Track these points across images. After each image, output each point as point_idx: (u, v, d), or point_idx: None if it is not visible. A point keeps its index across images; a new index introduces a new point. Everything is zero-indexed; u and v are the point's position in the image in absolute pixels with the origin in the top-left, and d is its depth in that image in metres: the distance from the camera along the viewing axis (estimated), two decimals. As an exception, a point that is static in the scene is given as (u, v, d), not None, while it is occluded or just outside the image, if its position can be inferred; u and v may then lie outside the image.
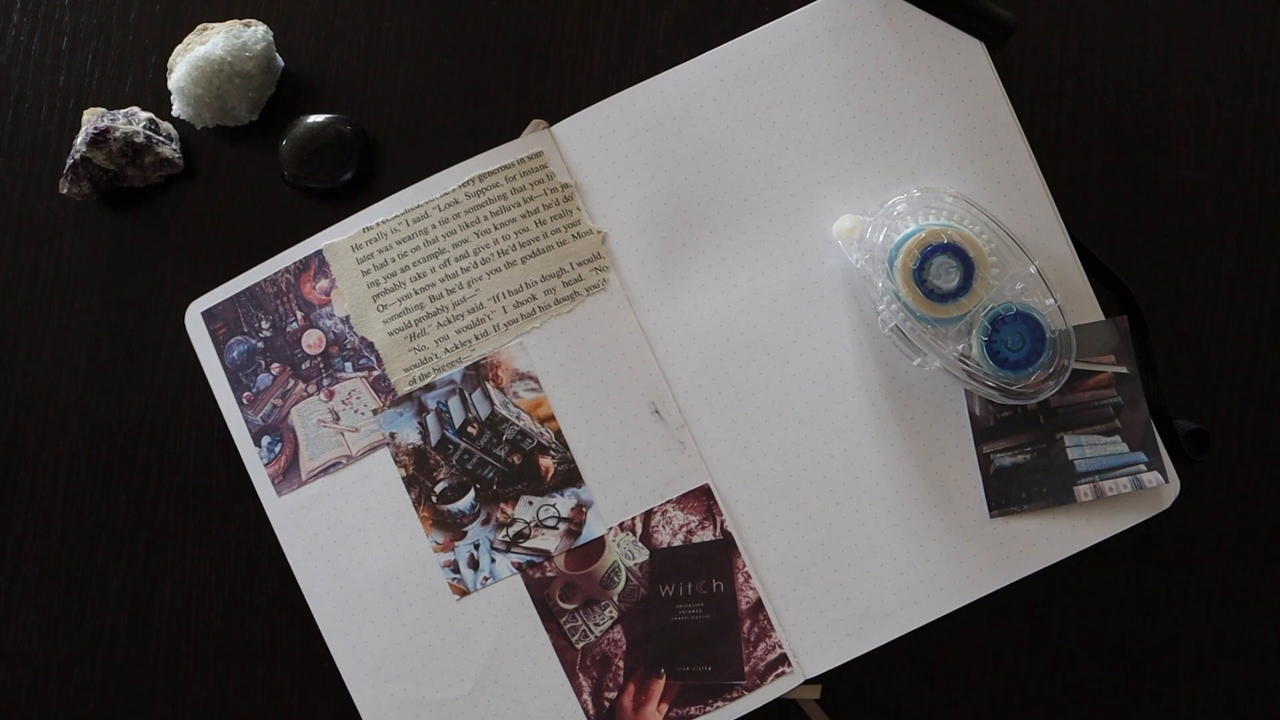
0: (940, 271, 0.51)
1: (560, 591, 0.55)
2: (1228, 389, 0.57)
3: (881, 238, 0.52)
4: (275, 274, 0.56)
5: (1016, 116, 0.54)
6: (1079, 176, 0.57)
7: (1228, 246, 0.57)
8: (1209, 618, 0.56)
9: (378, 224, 0.55)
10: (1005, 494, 0.53)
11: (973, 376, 0.51)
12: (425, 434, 0.55)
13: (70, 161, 0.56)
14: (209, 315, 0.56)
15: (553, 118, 0.56)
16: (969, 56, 0.55)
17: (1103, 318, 0.54)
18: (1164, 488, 0.54)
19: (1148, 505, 0.54)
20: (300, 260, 0.56)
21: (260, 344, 0.56)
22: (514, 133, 0.57)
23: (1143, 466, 0.53)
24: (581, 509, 0.55)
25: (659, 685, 0.54)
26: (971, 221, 0.52)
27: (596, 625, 0.54)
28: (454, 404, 0.55)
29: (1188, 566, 0.57)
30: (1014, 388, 0.51)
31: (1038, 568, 0.53)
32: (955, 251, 0.51)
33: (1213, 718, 0.56)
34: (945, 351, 0.51)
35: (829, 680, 0.56)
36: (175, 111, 0.57)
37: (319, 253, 0.56)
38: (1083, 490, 0.53)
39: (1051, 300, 0.52)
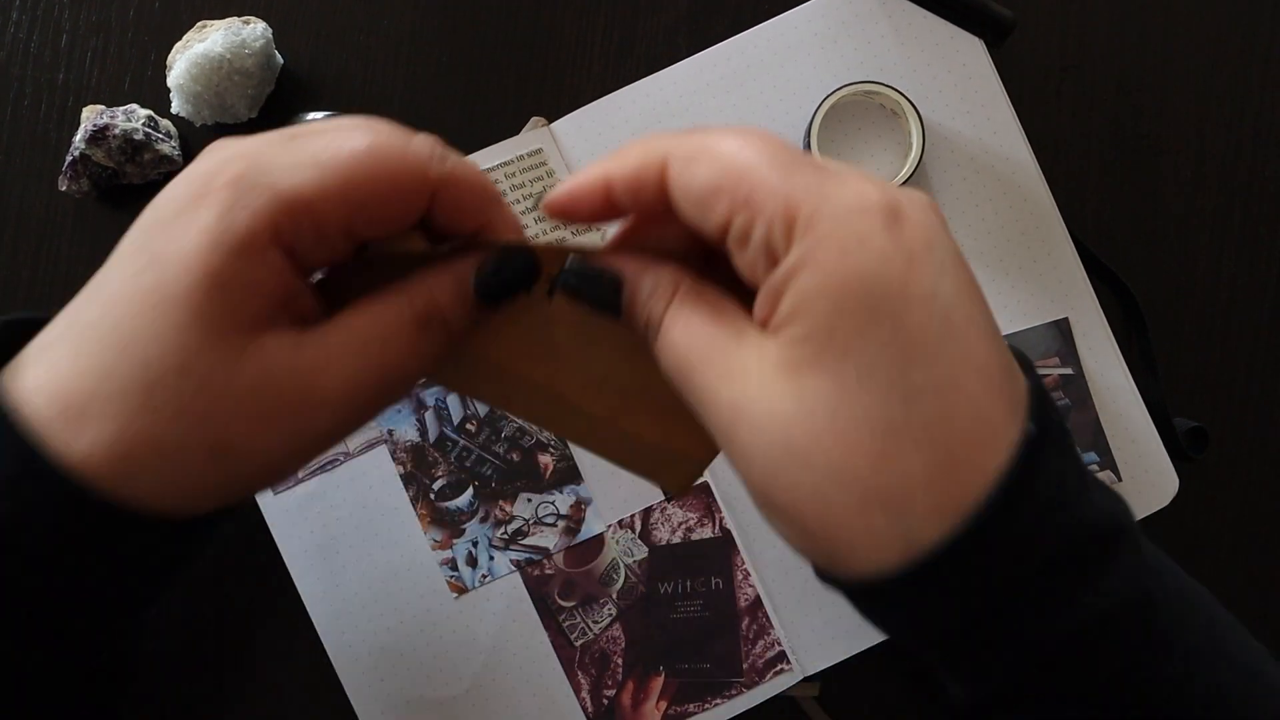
0: None
1: (559, 589, 0.55)
2: (1228, 389, 0.57)
3: None
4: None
5: (1016, 115, 0.54)
6: (1079, 176, 0.57)
7: (1228, 246, 0.57)
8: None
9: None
10: None
11: None
12: (424, 431, 0.55)
13: (69, 159, 0.56)
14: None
15: (552, 115, 0.56)
16: (968, 54, 0.55)
17: (1100, 313, 0.54)
18: (1164, 485, 0.54)
19: (1147, 503, 0.54)
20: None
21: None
22: (514, 130, 0.57)
23: (1095, 466, 0.54)
24: (580, 506, 0.55)
25: (658, 682, 0.54)
26: None
27: (595, 623, 0.54)
28: (452, 401, 0.55)
29: (1187, 565, 0.56)
30: None
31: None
32: None
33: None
34: None
35: (828, 678, 0.56)
36: (174, 109, 0.57)
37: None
38: None
39: None
